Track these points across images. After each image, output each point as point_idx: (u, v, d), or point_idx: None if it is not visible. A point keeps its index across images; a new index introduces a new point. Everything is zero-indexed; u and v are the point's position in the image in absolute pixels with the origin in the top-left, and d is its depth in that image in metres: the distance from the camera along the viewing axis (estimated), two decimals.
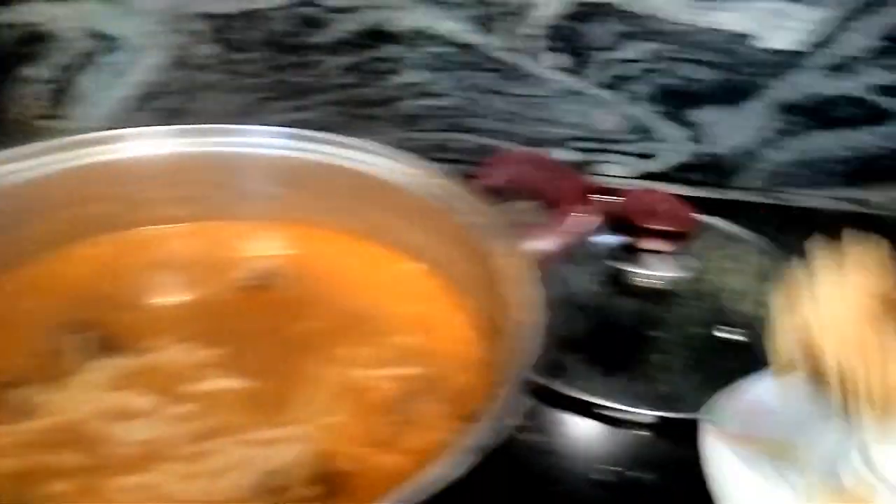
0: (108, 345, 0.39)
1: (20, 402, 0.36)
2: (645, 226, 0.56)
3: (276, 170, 0.46)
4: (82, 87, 0.79)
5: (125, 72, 0.78)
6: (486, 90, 0.77)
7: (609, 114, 0.77)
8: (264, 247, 0.47)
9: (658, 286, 0.57)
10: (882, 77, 0.72)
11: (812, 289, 0.38)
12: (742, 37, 0.72)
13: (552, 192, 0.44)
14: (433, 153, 0.81)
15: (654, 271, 0.57)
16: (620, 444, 0.46)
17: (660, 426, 0.46)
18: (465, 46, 0.75)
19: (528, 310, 0.34)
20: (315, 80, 0.78)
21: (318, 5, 0.73)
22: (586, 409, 0.47)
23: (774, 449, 0.41)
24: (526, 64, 0.75)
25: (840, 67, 0.72)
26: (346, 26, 0.75)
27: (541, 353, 0.31)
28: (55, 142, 0.44)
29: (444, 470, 0.25)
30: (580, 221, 0.42)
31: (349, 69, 0.77)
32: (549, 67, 0.75)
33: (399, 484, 0.25)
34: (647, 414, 0.47)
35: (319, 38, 0.75)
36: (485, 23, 0.73)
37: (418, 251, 0.45)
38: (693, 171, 0.80)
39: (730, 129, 0.77)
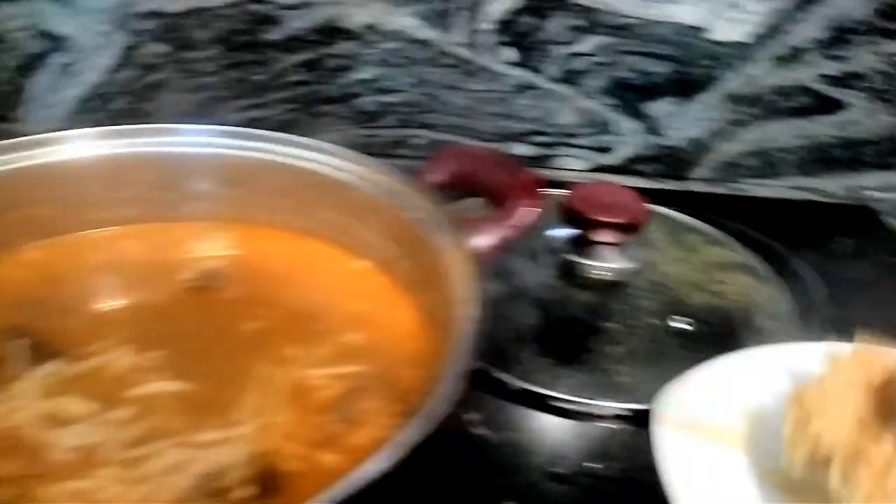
0: (48, 350, 0.38)
1: None
2: (596, 218, 0.56)
3: (219, 169, 0.46)
4: (33, 89, 0.78)
5: (76, 72, 0.77)
6: (442, 86, 0.77)
7: (565, 108, 0.78)
8: (209, 247, 0.46)
9: (611, 278, 0.57)
10: (831, 67, 0.73)
11: (821, 394, 0.38)
12: (694, 29, 0.73)
13: (497, 187, 0.43)
14: (391, 150, 0.82)
15: (608, 263, 0.58)
16: (577, 436, 0.46)
17: (616, 417, 0.47)
18: (421, 42, 0.75)
19: (470, 304, 0.34)
20: (270, 78, 0.77)
21: (270, 2, 0.73)
22: (542, 403, 0.47)
23: (723, 436, 0.42)
24: (481, 59, 0.75)
25: (790, 58, 0.73)
26: (299, 23, 0.74)
27: (479, 346, 0.31)
28: None
29: (373, 465, 0.25)
30: (526, 215, 0.42)
31: (304, 66, 0.76)
32: (504, 63, 0.76)
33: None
34: (603, 406, 0.47)
35: (273, 35, 0.75)
36: (440, 18, 0.73)
37: (364, 248, 0.45)
38: (648, 163, 0.81)
39: (684, 121, 0.78)
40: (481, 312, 0.32)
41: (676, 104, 0.77)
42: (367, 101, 0.78)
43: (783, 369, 0.46)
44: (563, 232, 0.60)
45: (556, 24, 0.73)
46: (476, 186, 0.46)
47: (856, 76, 0.74)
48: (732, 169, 0.80)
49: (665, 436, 0.40)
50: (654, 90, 0.76)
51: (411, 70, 0.76)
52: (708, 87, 0.75)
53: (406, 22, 0.74)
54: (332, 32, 0.75)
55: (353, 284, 0.44)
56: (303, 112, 0.79)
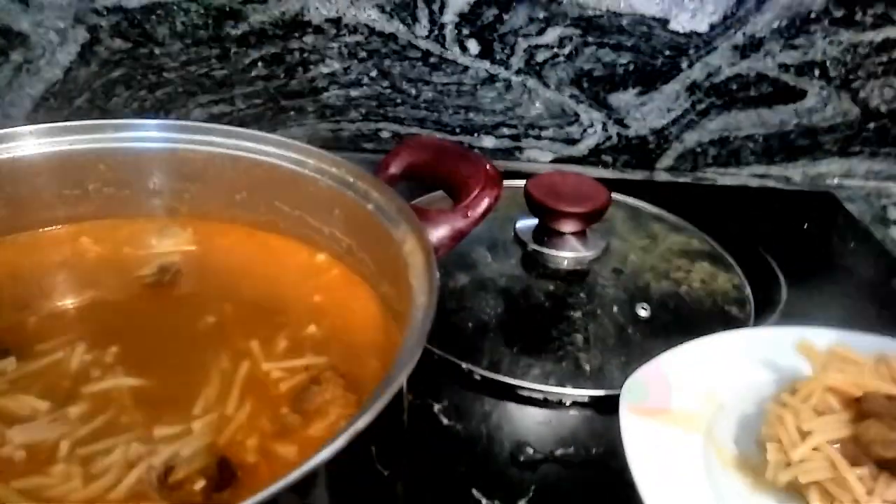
0: (1, 349, 0.38)
1: None
2: (557, 208, 0.56)
3: (174, 165, 0.45)
4: None
5: (35, 70, 0.76)
6: (407, 79, 0.77)
7: (530, 100, 0.78)
8: (165, 243, 0.46)
9: (576, 267, 0.58)
10: (790, 56, 0.74)
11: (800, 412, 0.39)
12: (657, 20, 0.73)
13: (456, 178, 0.44)
14: (357, 143, 0.81)
15: (571, 253, 0.58)
16: (543, 423, 0.46)
17: (581, 404, 0.47)
18: (385, 35, 0.75)
19: (425, 294, 0.34)
20: (233, 73, 0.77)
21: None
22: (508, 392, 0.48)
23: (687, 421, 0.42)
24: (446, 52, 0.75)
25: (750, 47, 0.74)
26: (262, 17, 0.74)
27: (432, 335, 0.31)
28: None
29: (321, 455, 0.25)
30: (484, 205, 0.42)
31: (268, 61, 0.76)
32: (469, 55, 0.76)
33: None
34: (568, 393, 0.47)
35: (235, 30, 0.74)
36: (404, 11, 0.73)
37: (322, 241, 0.45)
38: (614, 153, 0.81)
39: (647, 112, 0.78)
40: (434, 302, 0.32)
41: (640, 95, 0.77)
42: (332, 95, 0.78)
43: (746, 355, 0.47)
44: (528, 222, 0.60)
45: (519, 16, 0.73)
46: (436, 178, 0.46)
47: (814, 64, 0.75)
48: (696, 158, 0.81)
49: (630, 421, 0.41)
50: (617, 81, 0.77)
51: (376, 63, 0.76)
52: (671, 78, 0.76)
53: (370, 15, 0.74)
54: (295, 26, 0.74)
55: (312, 277, 0.44)
56: (268, 107, 0.78)
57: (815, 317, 0.49)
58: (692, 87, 0.77)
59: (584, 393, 0.47)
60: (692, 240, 0.64)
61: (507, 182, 0.63)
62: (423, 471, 0.42)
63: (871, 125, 0.78)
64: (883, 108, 0.77)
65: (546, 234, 0.59)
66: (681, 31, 0.74)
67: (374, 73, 0.77)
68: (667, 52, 0.75)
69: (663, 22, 0.73)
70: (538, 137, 0.80)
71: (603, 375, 0.49)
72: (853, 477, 0.36)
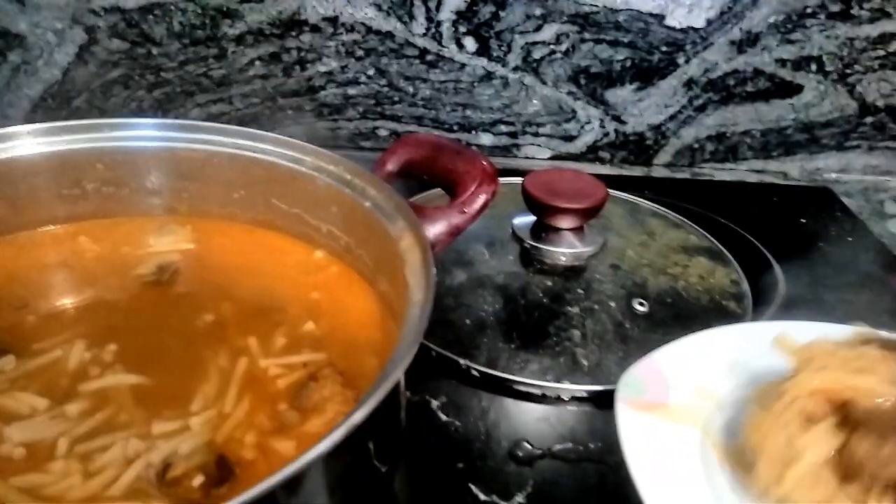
0: (0, 348, 0.38)
1: None
2: (556, 205, 0.57)
3: (172, 163, 0.46)
4: None
5: (33, 71, 0.76)
6: (404, 77, 0.77)
7: (528, 97, 0.78)
8: (164, 242, 0.46)
9: (573, 263, 0.58)
10: (787, 51, 0.74)
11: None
12: (653, 16, 0.73)
13: (452, 175, 0.44)
14: (355, 142, 0.81)
15: (569, 249, 0.58)
16: (541, 419, 0.46)
17: (578, 399, 0.48)
18: (382, 34, 0.75)
19: (420, 290, 0.34)
20: (233, 72, 0.77)
21: None
22: (506, 387, 0.48)
23: (683, 415, 0.42)
24: (443, 50, 0.76)
25: (748, 43, 0.74)
26: (259, 17, 0.74)
27: (428, 331, 0.31)
28: None
29: (321, 448, 0.25)
30: (480, 202, 0.42)
31: (265, 60, 0.76)
32: (466, 53, 0.76)
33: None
34: (566, 388, 0.48)
35: (234, 29, 0.74)
36: (400, 9, 0.73)
37: (320, 239, 0.45)
38: (611, 149, 0.81)
39: (646, 108, 0.78)
40: (431, 298, 0.32)
41: (637, 91, 0.77)
42: (330, 94, 0.78)
43: (743, 350, 0.47)
44: (525, 219, 0.61)
45: (515, 13, 0.73)
46: (432, 175, 0.46)
47: (811, 59, 0.75)
48: (693, 154, 0.81)
49: (627, 416, 0.41)
50: (614, 77, 0.77)
51: (373, 62, 0.76)
52: (667, 74, 0.76)
53: (367, 13, 0.74)
54: (292, 25, 0.74)
55: (310, 275, 0.44)
56: (266, 106, 0.79)
57: (813, 311, 0.49)
58: (689, 83, 0.77)
59: (582, 388, 0.48)
60: (690, 235, 0.64)
61: (504, 179, 0.64)
62: (422, 467, 0.42)
63: (869, 119, 0.78)
64: (880, 103, 0.77)
65: (543, 230, 0.59)
66: (677, 26, 0.74)
67: (371, 72, 0.77)
68: (663, 48, 0.75)
69: (660, 18, 0.73)
70: (536, 134, 0.81)
71: (600, 371, 0.49)
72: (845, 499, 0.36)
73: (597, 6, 0.73)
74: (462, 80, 0.77)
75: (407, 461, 0.42)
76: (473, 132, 0.80)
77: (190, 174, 0.46)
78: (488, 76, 0.77)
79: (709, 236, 0.64)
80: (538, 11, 0.74)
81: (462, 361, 0.49)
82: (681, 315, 0.54)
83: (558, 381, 0.48)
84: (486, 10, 0.73)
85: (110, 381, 0.36)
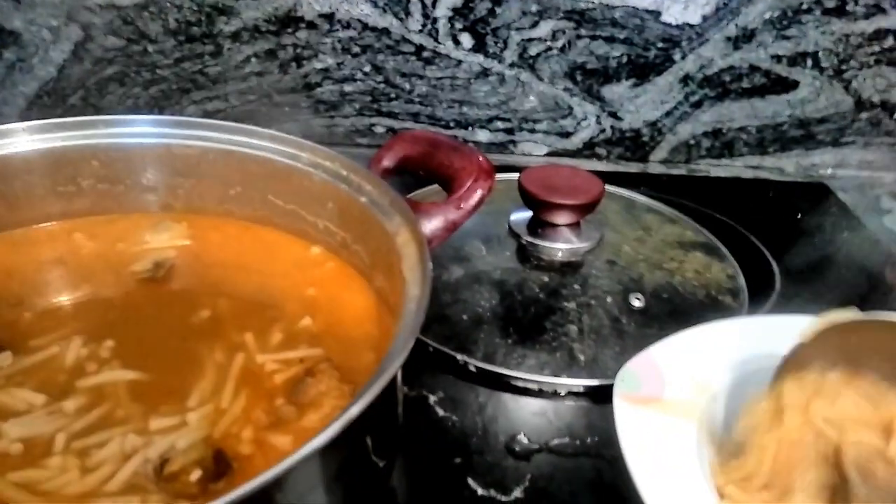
0: None
1: None
2: (553, 201, 0.57)
3: (167, 160, 0.45)
4: None
5: (28, 68, 0.76)
6: (401, 74, 0.77)
7: (524, 93, 0.78)
8: (160, 238, 0.46)
9: (570, 258, 0.58)
10: (782, 47, 0.75)
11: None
12: (651, 13, 0.73)
13: (448, 170, 0.44)
14: (351, 139, 0.81)
15: (565, 244, 0.58)
16: (538, 413, 0.47)
17: (575, 394, 0.48)
18: (378, 30, 0.75)
19: (418, 285, 0.34)
20: (228, 69, 0.76)
21: None
22: (503, 383, 0.48)
23: (680, 409, 0.43)
24: (440, 46, 0.75)
25: (744, 39, 0.74)
26: (255, 13, 0.74)
27: (424, 326, 0.31)
28: None
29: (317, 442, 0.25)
30: (476, 197, 0.42)
31: (263, 57, 0.76)
32: (462, 49, 0.76)
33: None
34: (563, 383, 0.48)
35: (230, 25, 0.74)
36: (397, 5, 0.73)
37: (316, 235, 0.45)
38: (608, 146, 0.81)
39: (642, 104, 0.78)
40: (428, 292, 0.33)
41: (633, 87, 0.77)
42: (326, 91, 0.78)
43: (739, 344, 0.47)
44: (522, 215, 0.61)
45: (512, 10, 0.73)
46: (429, 170, 0.46)
47: (807, 55, 0.75)
48: (689, 150, 0.81)
49: (624, 410, 0.41)
50: (611, 74, 0.77)
51: (369, 58, 0.76)
52: (664, 70, 0.76)
53: (363, 10, 0.74)
54: (288, 22, 0.74)
55: (306, 271, 0.44)
56: (262, 103, 0.78)
57: (809, 306, 0.49)
58: (685, 79, 0.77)
59: (579, 383, 0.48)
60: (686, 231, 0.64)
61: (501, 175, 0.64)
62: (419, 462, 0.43)
63: (864, 115, 0.78)
64: (875, 99, 0.77)
65: (540, 226, 0.59)
66: (673, 22, 0.74)
67: (367, 68, 0.77)
68: (660, 45, 0.75)
69: (656, 14, 0.73)
70: (532, 131, 0.81)
71: (597, 365, 0.49)
72: None
73: (593, 2, 0.73)
74: (458, 76, 0.77)
75: (405, 456, 0.42)
76: (470, 129, 0.81)
77: (185, 171, 0.45)
78: (485, 73, 0.77)
79: (705, 232, 0.64)
80: (534, 8, 0.74)
81: (459, 357, 0.49)
82: (677, 310, 0.54)
83: (555, 376, 0.48)
84: (482, 7, 0.73)
85: (107, 378, 0.36)
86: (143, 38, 0.75)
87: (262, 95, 0.78)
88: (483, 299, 0.53)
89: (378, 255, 0.40)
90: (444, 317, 0.52)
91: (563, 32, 0.75)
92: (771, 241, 0.65)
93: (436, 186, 0.47)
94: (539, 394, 0.48)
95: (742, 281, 0.58)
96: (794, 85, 0.77)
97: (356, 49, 0.76)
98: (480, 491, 0.41)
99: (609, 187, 0.65)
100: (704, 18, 0.73)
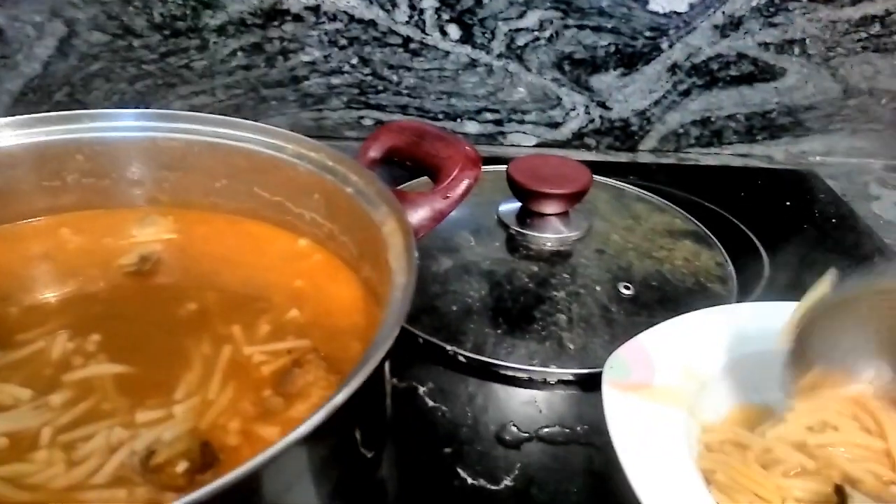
0: None
1: None
2: (541, 190, 0.57)
3: (153, 153, 0.45)
4: None
5: (12, 65, 0.75)
6: (388, 66, 0.77)
7: (512, 84, 0.78)
8: (146, 232, 0.45)
9: (559, 248, 0.58)
10: (770, 34, 0.75)
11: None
12: (638, 1, 0.73)
13: (435, 160, 0.44)
14: (339, 131, 0.81)
15: (555, 234, 0.58)
16: (527, 403, 0.47)
17: (565, 382, 0.48)
18: (365, 22, 0.74)
19: (404, 274, 0.34)
20: (215, 63, 0.76)
21: None
22: (493, 373, 0.48)
23: (668, 396, 0.43)
24: (429, 38, 0.75)
25: (731, 27, 0.74)
26: (240, 6, 0.73)
27: (409, 314, 0.31)
28: None
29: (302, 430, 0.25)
30: (462, 187, 0.42)
31: (249, 50, 0.76)
32: (451, 40, 0.75)
33: None
34: (552, 372, 0.48)
35: (215, 19, 0.74)
36: None
37: (303, 227, 0.45)
38: (597, 135, 0.81)
39: (631, 94, 0.78)
40: (413, 281, 0.32)
41: (621, 77, 0.77)
42: (314, 84, 0.78)
43: (728, 331, 0.47)
44: (512, 206, 0.61)
45: (498, 0, 0.73)
46: (415, 160, 0.46)
47: (794, 42, 0.75)
48: (678, 139, 0.81)
49: (612, 397, 0.41)
50: (599, 63, 0.77)
51: (356, 51, 0.76)
52: (651, 59, 0.76)
53: (349, 2, 0.73)
54: (274, 15, 0.74)
55: (293, 263, 0.44)
56: (249, 97, 0.78)
57: (798, 292, 0.49)
58: (673, 68, 0.77)
59: (568, 371, 0.48)
60: (675, 219, 0.64)
61: (490, 167, 0.64)
62: (409, 452, 0.43)
63: (852, 102, 0.79)
64: (863, 85, 0.78)
65: (529, 216, 0.59)
66: (660, 11, 0.74)
67: (354, 61, 0.77)
68: (647, 33, 0.75)
69: (643, 3, 0.73)
70: (521, 122, 0.80)
71: (586, 354, 0.49)
72: None
73: None
74: (446, 68, 0.77)
75: (394, 447, 0.42)
76: (459, 120, 0.80)
77: (171, 164, 0.45)
78: (472, 64, 0.77)
79: (694, 220, 0.64)
80: None
81: (449, 347, 0.49)
82: (666, 298, 0.54)
83: (545, 365, 0.48)
84: None
85: (94, 371, 0.36)
86: (129, 32, 0.74)
87: (249, 89, 0.78)
88: (472, 290, 0.53)
89: (365, 245, 0.40)
90: (433, 308, 0.52)
91: (551, 22, 0.75)
92: (760, 228, 0.65)
93: (425, 179, 0.47)
94: (528, 383, 0.48)
95: (731, 268, 0.59)
96: (781, 72, 0.77)
97: (343, 41, 0.76)
98: (470, 480, 0.41)
99: (598, 177, 0.65)
100: (691, 6, 0.73)
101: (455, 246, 0.57)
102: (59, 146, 0.44)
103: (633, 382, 0.43)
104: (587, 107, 0.79)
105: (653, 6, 0.73)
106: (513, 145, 0.82)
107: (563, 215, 0.59)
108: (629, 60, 0.76)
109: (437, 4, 0.73)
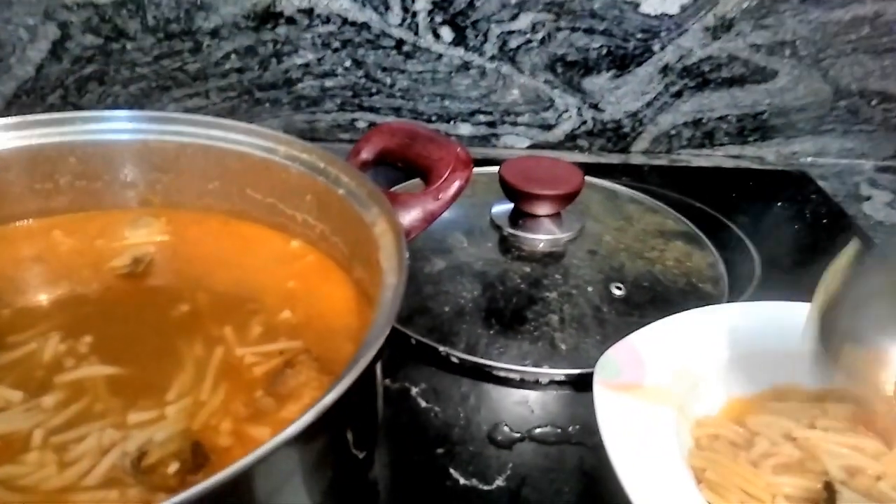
0: None
1: None
2: (533, 191, 0.57)
3: (145, 155, 0.45)
4: None
5: (5, 68, 0.75)
6: (381, 68, 0.77)
7: (505, 86, 0.78)
8: (139, 234, 0.46)
9: (551, 249, 0.58)
10: (762, 36, 0.75)
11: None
12: (630, 3, 0.74)
13: (427, 161, 0.44)
14: (333, 134, 0.81)
15: (547, 235, 0.59)
16: (520, 403, 0.47)
17: (561, 382, 0.48)
18: (358, 25, 0.75)
19: (395, 274, 0.34)
20: (208, 65, 0.76)
21: None
22: (486, 373, 0.48)
23: (659, 395, 0.43)
24: (421, 40, 0.76)
25: (722, 28, 0.75)
26: (233, 9, 0.73)
27: (400, 314, 0.32)
28: None
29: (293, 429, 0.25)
30: (454, 188, 0.42)
31: (242, 53, 0.76)
32: (444, 43, 0.76)
33: None
34: (544, 372, 0.48)
35: (209, 22, 0.74)
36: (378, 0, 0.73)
37: (296, 228, 0.45)
38: (590, 137, 0.82)
39: (623, 95, 0.79)
40: (404, 281, 0.33)
41: (614, 79, 0.78)
42: (307, 86, 0.78)
43: (719, 331, 0.47)
44: (505, 207, 0.61)
45: (491, 2, 0.74)
46: (407, 162, 0.46)
47: (785, 44, 0.76)
48: (670, 140, 0.82)
49: (603, 397, 0.41)
50: (591, 65, 0.77)
51: (350, 53, 0.76)
52: (643, 61, 0.77)
53: (342, 4, 0.74)
54: (267, 17, 0.74)
55: (286, 264, 0.44)
56: (242, 99, 0.78)
57: (789, 292, 0.50)
58: (665, 70, 0.77)
59: (560, 372, 0.48)
60: (667, 220, 0.65)
61: (483, 168, 0.64)
62: (402, 453, 0.43)
63: (843, 103, 0.79)
64: (853, 87, 0.78)
65: (521, 217, 0.59)
66: (652, 13, 0.74)
67: (348, 63, 0.77)
68: (639, 35, 0.75)
69: (634, 5, 0.74)
70: (514, 124, 0.81)
71: (578, 354, 0.49)
72: None
73: None
74: (439, 70, 0.77)
75: (387, 447, 0.43)
76: (452, 122, 0.81)
77: (163, 166, 0.45)
78: (465, 66, 0.77)
79: (686, 221, 0.65)
80: (513, 0, 0.74)
81: (441, 348, 0.49)
82: (658, 298, 0.54)
83: (537, 366, 0.48)
84: (461, 0, 0.73)
85: (85, 373, 0.36)
86: (122, 35, 0.74)
87: (243, 92, 0.78)
88: (465, 291, 0.54)
89: (357, 246, 0.40)
90: (426, 309, 0.52)
91: (543, 25, 0.75)
92: (751, 229, 0.65)
93: (419, 180, 0.47)
94: (521, 383, 0.48)
95: (722, 269, 0.59)
96: (772, 74, 0.77)
97: (336, 44, 0.76)
98: (463, 481, 0.41)
99: (590, 178, 0.65)
100: (683, 9, 0.74)
101: (448, 247, 0.57)
102: (52, 148, 0.44)
103: (624, 382, 0.43)
104: (580, 108, 0.79)
105: (644, 8, 0.74)
106: (506, 147, 0.82)
107: (556, 216, 0.59)
108: (621, 62, 0.77)
109: (430, 7, 0.74)
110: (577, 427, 0.45)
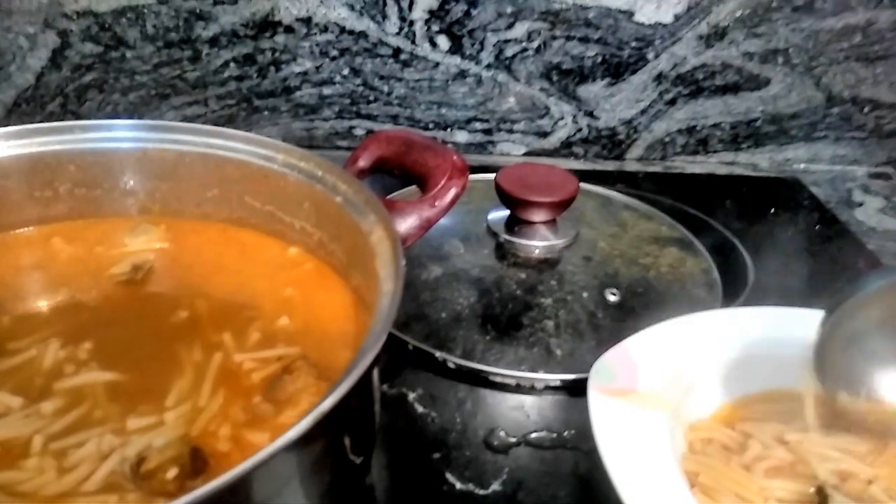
0: None
1: None
2: (529, 199, 0.57)
3: (144, 164, 0.46)
4: None
5: (8, 75, 0.76)
6: (379, 76, 0.78)
7: (501, 94, 0.79)
8: (138, 241, 0.46)
9: (546, 255, 0.59)
10: (755, 44, 0.76)
11: None
12: (624, 12, 0.75)
13: (423, 169, 0.44)
14: (330, 141, 0.82)
15: (543, 241, 0.59)
16: (515, 408, 0.47)
17: (556, 388, 0.49)
18: (356, 33, 0.75)
19: (391, 281, 0.35)
20: (207, 74, 0.77)
21: None
22: (482, 379, 0.49)
23: (654, 401, 0.43)
24: (418, 48, 0.76)
25: (715, 37, 0.75)
26: (232, 18, 0.74)
27: (396, 320, 0.32)
28: None
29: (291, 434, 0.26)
30: (450, 195, 0.43)
31: (241, 61, 0.76)
32: (441, 51, 0.76)
33: None
34: (539, 378, 0.48)
35: (208, 31, 0.75)
36: (374, 8, 0.74)
37: (293, 235, 0.46)
38: (585, 144, 0.82)
39: (618, 103, 0.79)
40: (400, 288, 0.33)
41: (608, 87, 0.78)
42: (305, 94, 0.78)
43: (712, 336, 0.48)
44: (501, 214, 0.61)
45: (487, 11, 0.74)
46: (404, 169, 0.46)
47: (777, 52, 0.76)
48: (665, 147, 0.82)
49: (598, 402, 0.41)
50: (586, 73, 0.78)
51: (347, 61, 0.77)
52: (638, 69, 0.77)
53: (340, 13, 0.74)
54: (266, 26, 0.75)
55: (284, 271, 0.45)
56: (241, 107, 0.79)
57: (782, 298, 0.50)
58: (659, 78, 0.78)
59: (556, 377, 0.48)
60: (661, 227, 0.65)
61: (479, 176, 0.65)
62: (399, 458, 0.43)
63: (835, 110, 0.80)
64: (846, 94, 0.79)
65: (517, 224, 0.60)
66: (646, 22, 0.75)
67: (345, 72, 0.77)
68: (633, 44, 0.76)
69: (629, 14, 0.74)
70: (510, 131, 0.81)
71: (573, 360, 0.50)
72: None
73: (567, 3, 0.74)
74: (436, 78, 0.78)
75: (384, 452, 0.43)
76: (449, 130, 0.81)
77: (162, 174, 0.46)
78: (462, 74, 0.78)
79: (680, 227, 0.65)
80: (509, 9, 0.74)
81: (438, 354, 0.49)
82: (652, 304, 0.55)
83: (532, 371, 0.49)
84: (458, 9, 0.74)
85: (85, 379, 0.36)
86: (122, 44, 0.75)
87: (242, 100, 0.78)
88: (462, 297, 0.54)
89: (354, 253, 0.41)
90: (423, 315, 0.52)
91: (539, 33, 0.76)
92: (745, 235, 0.66)
93: (415, 188, 0.47)
94: (517, 389, 0.49)
95: (716, 275, 0.59)
96: (765, 81, 0.78)
97: (334, 52, 0.76)
98: (459, 485, 0.41)
99: (585, 185, 0.66)
100: (677, 17, 0.74)
101: (445, 254, 0.58)
102: (52, 157, 0.45)
103: (619, 387, 0.43)
104: (575, 116, 0.80)
105: (639, 17, 0.75)
106: (502, 154, 0.83)
107: (551, 223, 0.60)
108: (616, 70, 0.77)
109: (427, 16, 0.74)
110: (573, 432, 0.45)
